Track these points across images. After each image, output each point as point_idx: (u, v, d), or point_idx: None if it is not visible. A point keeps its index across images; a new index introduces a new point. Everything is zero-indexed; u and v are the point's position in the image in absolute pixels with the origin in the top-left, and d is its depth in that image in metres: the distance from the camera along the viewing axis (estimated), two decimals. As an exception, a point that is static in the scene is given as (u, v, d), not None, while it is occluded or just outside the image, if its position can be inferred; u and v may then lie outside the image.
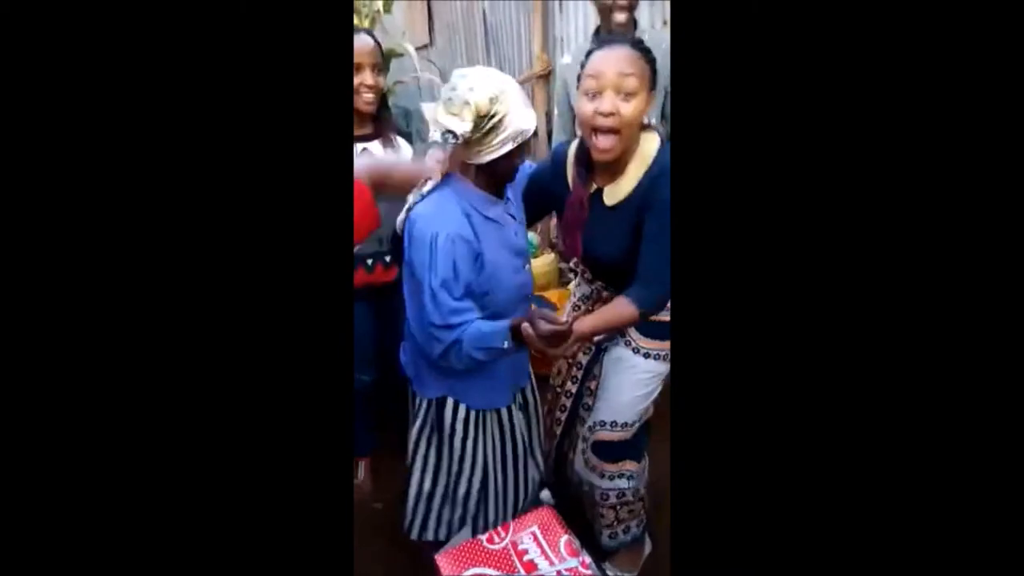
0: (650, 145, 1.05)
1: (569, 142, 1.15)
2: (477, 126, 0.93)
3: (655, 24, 2.05)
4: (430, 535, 1.20)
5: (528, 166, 1.21)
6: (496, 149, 0.96)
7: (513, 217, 1.10)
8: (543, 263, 2.54)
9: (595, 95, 0.97)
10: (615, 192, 1.07)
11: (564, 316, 1.36)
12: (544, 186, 1.17)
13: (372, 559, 1.47)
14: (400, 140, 1.48)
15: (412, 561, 1.35)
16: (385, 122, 1.47)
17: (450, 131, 0.94)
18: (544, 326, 0.91)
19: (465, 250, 0.98)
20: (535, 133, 1.02)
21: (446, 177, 1.04)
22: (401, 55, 2.48)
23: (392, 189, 1.07)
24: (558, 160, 1.16)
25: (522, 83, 2.79)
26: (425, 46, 3.40)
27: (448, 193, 1.02)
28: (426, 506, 1.19)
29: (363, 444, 1.69)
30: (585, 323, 0.98)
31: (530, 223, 1.19)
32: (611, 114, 0.96)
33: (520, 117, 0.96)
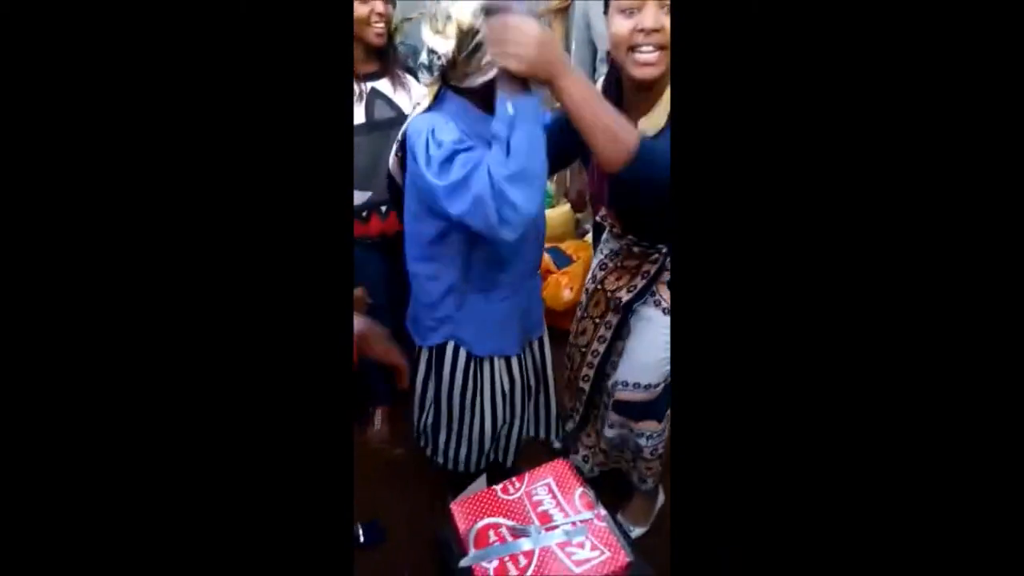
0: None
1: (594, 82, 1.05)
2: (461, 44, 0.85)
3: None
4: (439, 460, 1.22)
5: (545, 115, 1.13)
6: (486, 71, 0.87)
7: None
8: (558, 214, 2.48)
9: (633, 11, 0.85)
10: (653, 119, 0.95)
11: (589, 275, 1.31)
12: (565, 134, 1.09)
13: (393, 502, 1.52)
14: (408, 77, 1.42)
15: (432, 504, 1.38)
16: (392, 59, 1.41)
17: (434, 51, 0.87)
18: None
19: (460, 144, 0.88)
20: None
21: (440, 96, 0.96)
22: (408, -8, 2.34)
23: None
24: None
25: (540, 17, 2.64)
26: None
27: (443, 112, 0.94)
28: (432, 439, 1.20)
29: (380, 393, 1.71)
30: (560, 64, 0.78)
31: (553, 170, 1.11)
32: (654, 31, 0.83)
33: None
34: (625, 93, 0.98)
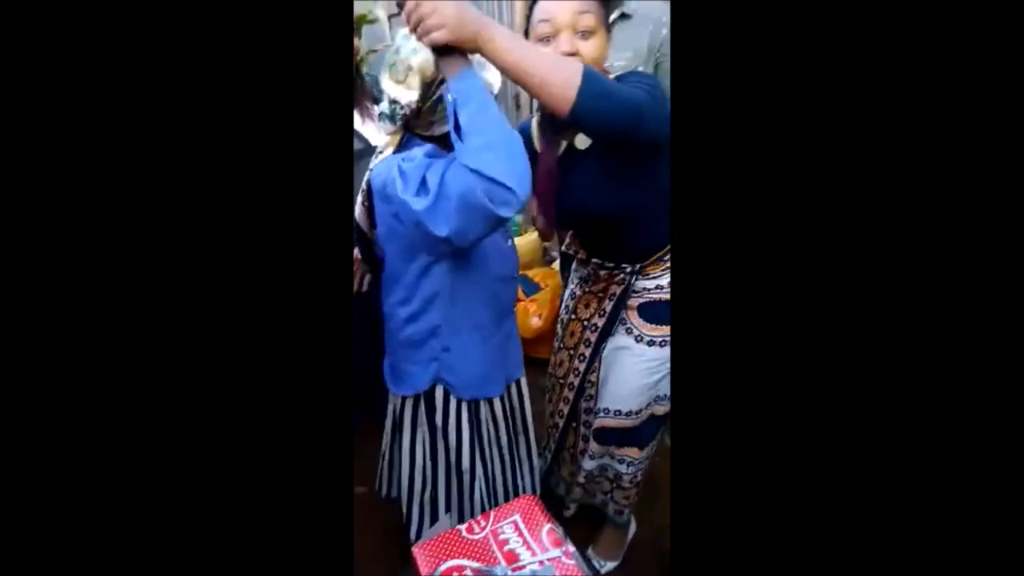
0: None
1: (532, 118, 1.08)
2: (425, 93, 0.84)
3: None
4: (417, 521, 1.15)
5: None
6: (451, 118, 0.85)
7: None
8: (526, 241, 2.49)
9: (550, 38, 0.89)
10: (583, 137, 0.99)
11: (562, 306, 1.30)
12: None
13: (362, 547, 1.44)
14: (376, 108, 1.41)
15: (400, 548, 1.32)
16: (360, 90, 1.40)
17: (396, 101, 0.85)
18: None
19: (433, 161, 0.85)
20: (518, 104, 0.95)
21: (402, 143, 0.95)
22: (373, 22, 2.36)
23: None
24: (524, 132, 1.08)
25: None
26: (398, 13, 3.25)
27: (408, 149, 0.92)
28: (432, 508, 1.11)
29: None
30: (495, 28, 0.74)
31: None
32: (572, 54, 0.87)
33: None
34: (558, 119, 1.00)
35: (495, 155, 0.74)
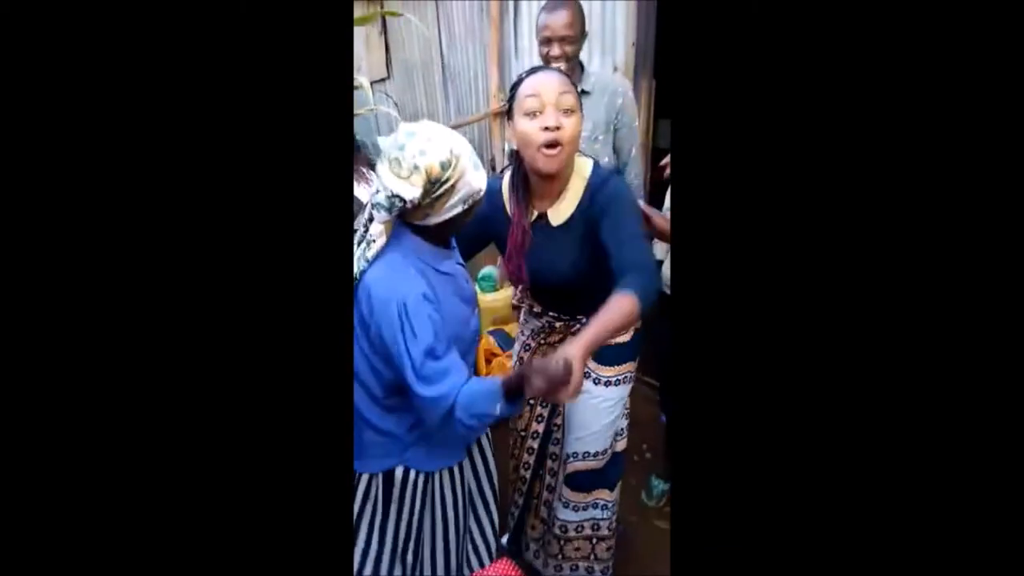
0: (585, 167, 1.08)
1: (502, 176, 1.15)
2: (427, 192, 0.88)
3: (606, 68, 2.13)
4: None
5: None
6: (447, 212, 0.92)
7: (462, 265, 1.07)
8: (502, 297, 2.53)
9: (537, 113, 0.99)
10: (559, 212, 1.08)
11: (514, 356, 1.34)
12: (481, 217, 1.13)
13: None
14: (370, 172, 1.46)
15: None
16: (357, 156, 1.45)
17: (398, 195, 0.88)
18: (539, 382, 0.79)
19: (434, 311, 0.91)
20: (494, 167, 1.01)
21: (394, 234, 0.98)
22: (356, 87, 2.48)
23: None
24: (493, 192, 1.14)
25: (478, 121, 2.83)
26: (382, 79, 3.41)
27: (400, 253, 0.96)
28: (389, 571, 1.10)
29: None
30: (583, 340, 0.84)
31: (466, 257, 1.16)
32: (557, 128, 0.98)
33: (472, 178, 0.92)
34: (532, 184, 1.09)
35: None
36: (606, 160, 1.64)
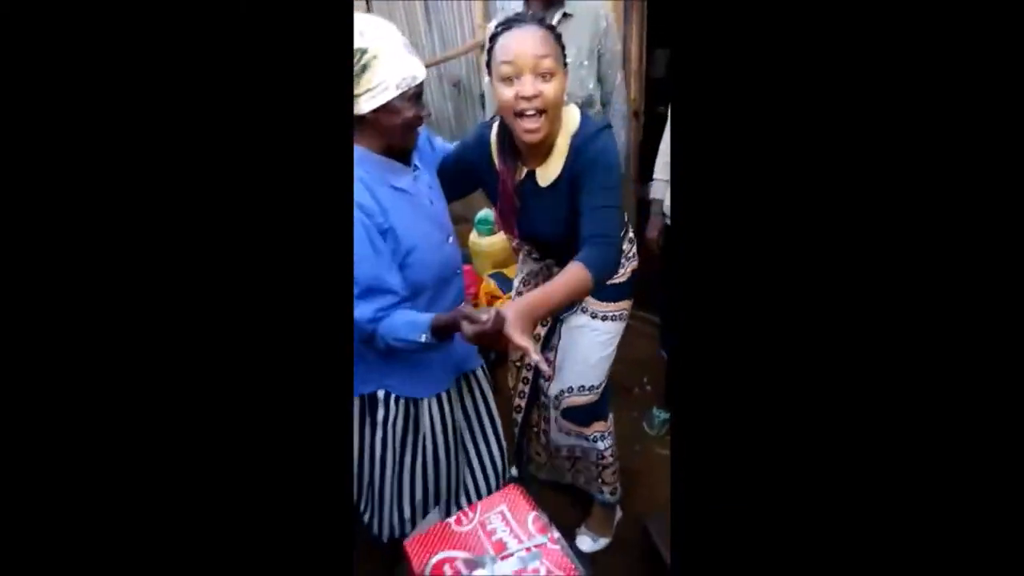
0: (572, 121, 1.02)
1: (491, 123, 1.11)
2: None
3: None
4: (385, 532, 1.18)
5: (440, 144, 1.15)
6: (375, 94, 0.87)
7: (430, 187, 1.04)
8: (502, 239, 2.52)
9: (513, 79, 0.93)
10: (547, 173, 1.05)
11: (513, 295, 1.36)
12: (469, 165, 1.13)
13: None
14: None
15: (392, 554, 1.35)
16: None
17: None
18: (468, 327, 0.82)
19: (369, 224, 0.90)
20: (484, 103, 0.96)
21: None
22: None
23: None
24: (483, 142, 1.11)
25: (463, 54, 2.70)
26: (363, 10, 3.24)
27: None
28: (379, 501, 1.16)
29: None
30: (525, 302, 0.86)
31: (451, 199, 1.14)
32: (534, 96, 0.92)
33: (400, 62, 0.87)
34: (520, 146, 1.05)
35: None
36: (591, 86, 1.59)
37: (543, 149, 1.03)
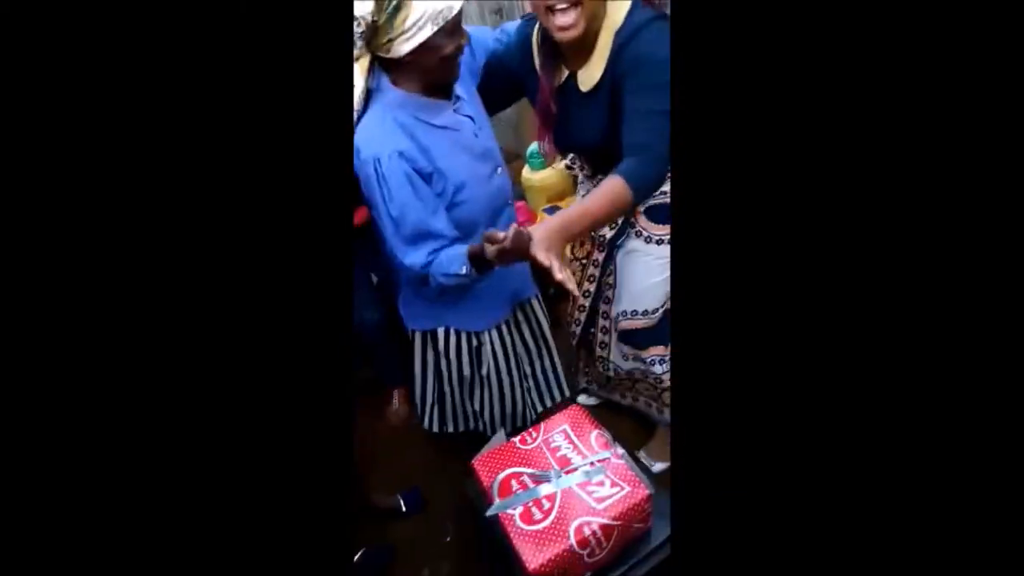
0: (618, 13, 0.92)
1: (534, 19, 1.03)
2: (379, 6, 0.80)
3: None
4: (449, 426, 1.26)
5: (482, 45, 1.06)
6: (411, 35, 0.82)
7: (471, 119, 1.00)
8: (555, 172, 2.45)
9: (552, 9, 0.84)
10: (588, 76, 0.97)
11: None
12: (509, 70, 1.05)
13: (431, 469, 1.58)
14: None
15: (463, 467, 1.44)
16: None
17: (355, 18, 0.81)
18: (489, 248, 0.82)
19: (412, 170, 0.89)
20: (501, 15, 0.91)
21: (376, 87, 0.92)
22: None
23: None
24: (523, 39, 1.04)
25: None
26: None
27: (380, 107, 0.90)
28: (439, 408, 1.23)
29: (394, 375, 1.76)
30: (556, 220, 0.83)
31: (493, 112, 1.08)
32: (564, 7, 0.84)
33: None
34: (560, 47, 0.97)
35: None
36: None
37: (584, 48, 0.94)
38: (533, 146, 2.47)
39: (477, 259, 0.90)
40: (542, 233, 0.80)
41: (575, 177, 1.36)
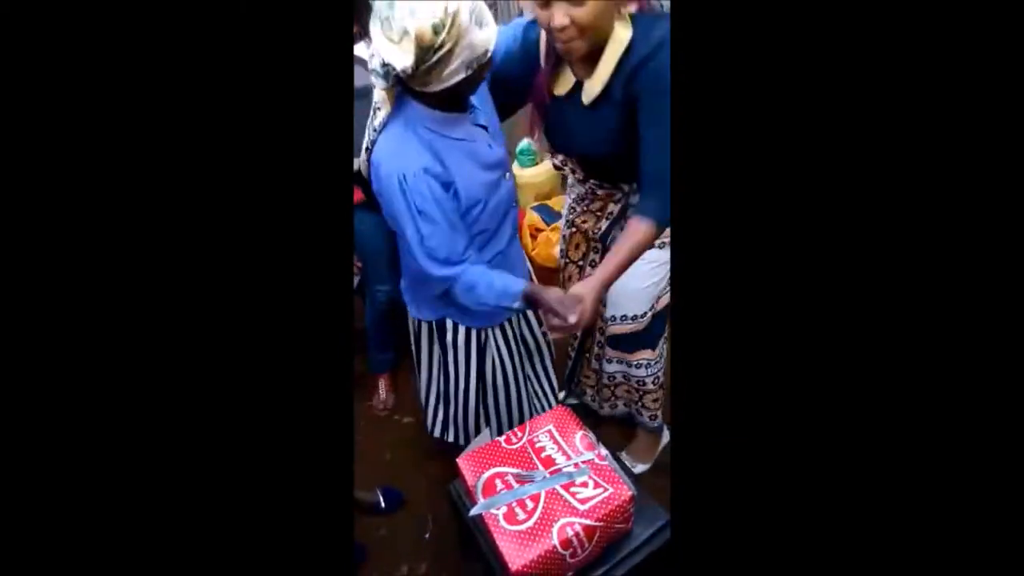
0: (623, 34, 0.92)
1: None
2: (421, 60, 0.79)
3: None
4: (450, 436, 1.26)
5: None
6: (448, 79, 0.83)
7: (484, 128, 1.00)
8: (544, 171, 2.45)
9: (544, 4, 0.84)
10: (591, 89, 0.97)
11: (563, 220, 1.33)
12: (516, 73, 1.05)
13: (409, 466, 1.57)
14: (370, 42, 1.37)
15: (445, 465, 1.43)
16: (365, 20, 1.36)
17: (390, 64, 0.80)
18: (553, 321, 0.90)
19: (437, 185, 0.89)
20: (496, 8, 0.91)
21: (398, 102, 0.91)
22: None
23: None
24: (529, 43, 1.04)
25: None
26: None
27: (402, 122, 0.90)
28: (444, 410, 1.23)
29: (380, 362, 1.74)
30: (597, 278, 0.93)
31: (504, 117, 1.08)
32: (564, 28, 0.84)
33: (476, 39, 0.80)
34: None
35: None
36: None
37: (589, 58, 0.95)
38: (523, 143, 2.46)
39: (529, 301, 0.96)
40: (591, 303, 0.92)
41: (564, 177, 1.37)
